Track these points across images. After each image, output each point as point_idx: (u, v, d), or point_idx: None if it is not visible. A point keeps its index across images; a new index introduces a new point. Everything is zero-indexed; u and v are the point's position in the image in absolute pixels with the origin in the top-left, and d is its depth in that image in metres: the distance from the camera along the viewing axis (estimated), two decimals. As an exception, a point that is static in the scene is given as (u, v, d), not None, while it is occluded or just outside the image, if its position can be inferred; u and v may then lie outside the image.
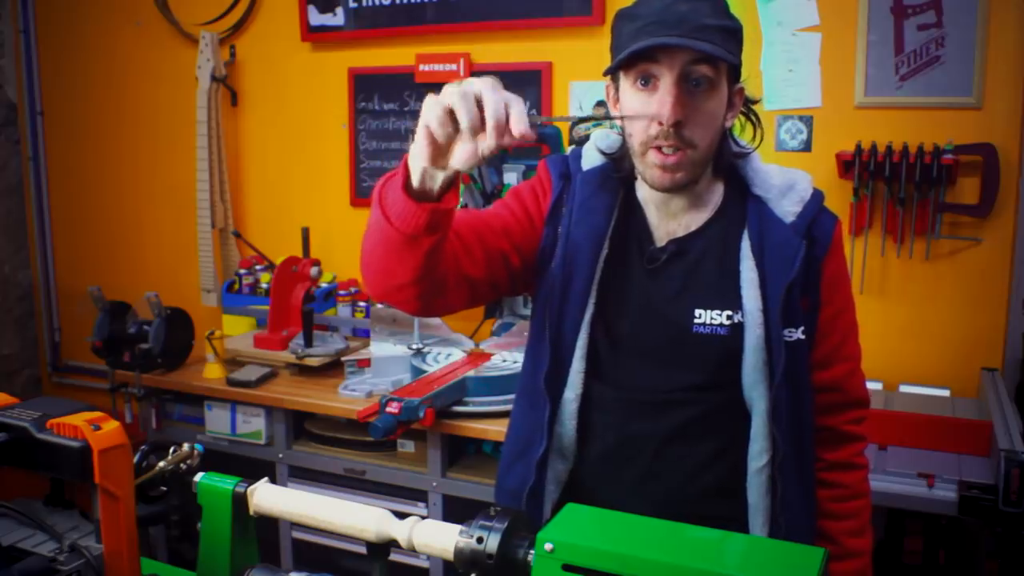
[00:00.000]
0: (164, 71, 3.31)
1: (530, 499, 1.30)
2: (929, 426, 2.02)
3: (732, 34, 1.17)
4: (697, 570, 0.79)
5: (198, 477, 1.07)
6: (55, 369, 3.73)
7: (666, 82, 1.15)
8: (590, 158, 1.34)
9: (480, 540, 0.88)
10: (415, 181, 1.06)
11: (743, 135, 1.33)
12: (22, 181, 3.65)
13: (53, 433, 0.93)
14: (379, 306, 2.59)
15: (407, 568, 2.20)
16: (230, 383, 2.52)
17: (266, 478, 1.07)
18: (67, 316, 3.70)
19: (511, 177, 2.36)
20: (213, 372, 2.60)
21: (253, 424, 2.51)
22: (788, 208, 1.25)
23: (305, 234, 2.65)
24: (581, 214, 1.28)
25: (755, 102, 1.32)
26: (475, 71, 2.82)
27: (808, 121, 2.47)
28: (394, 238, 1.11)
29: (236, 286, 3.02)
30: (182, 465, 1.10)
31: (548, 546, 0.83)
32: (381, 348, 2.48)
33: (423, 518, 0.96)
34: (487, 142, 0.95)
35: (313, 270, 2.64)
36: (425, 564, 2.27)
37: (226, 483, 1.05)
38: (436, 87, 1.02)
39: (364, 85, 3.01)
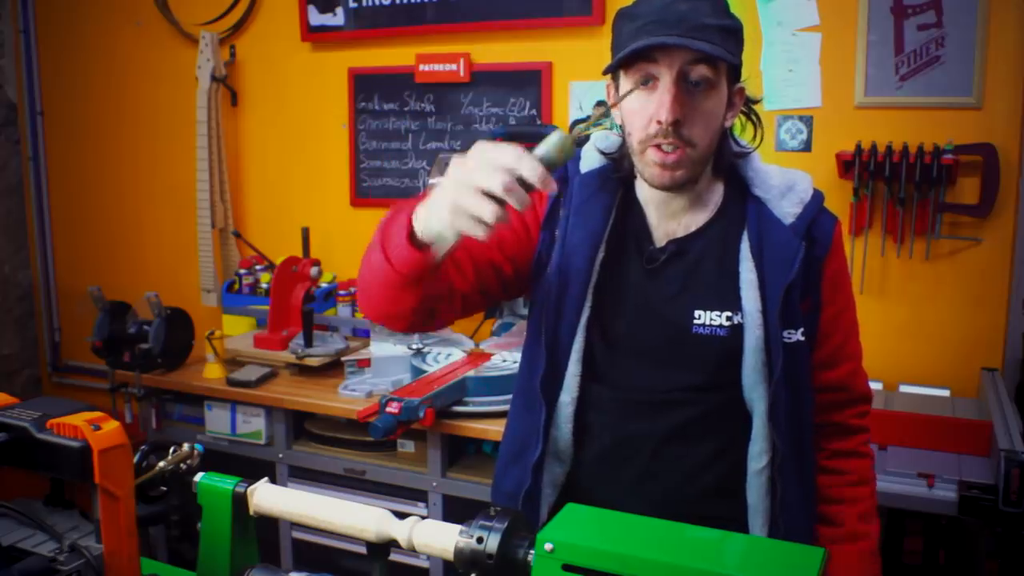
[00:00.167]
0: (164, 71, 3.31)
1: (526, 502, 1.30)
2: (929, 426, 2.02)
3: (732, 34, 1.17)
4: (697, 570, 0.79)
5: (198, 477, 1.07)
6: (55, 369, 3.73)
7: (665, 81, 1.15)
8: (588, 160, 1.34)
9: (480, 540, 0.88)
10: (423, 237, 1.08)
11: (743, 135, 1.33)
12: (22, 181, 3.65)
13: (53, 433, 0.93)
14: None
15: (407, 568, 2.20)
16: (230, 383, 2.52)
17: (266, 478, 1.07)
18: (67, 316, 3.70)
19: (511, 177, 2.36)
20: (213, 372, 2.60)
21: (253, 424, 2.51)
22: (788, 209, 1.25)
23: (305, 234, 2.65)
24: (578, 217, 1.28)
25: (756, 102, 1.31)
26: (475, 71, 2.82)
27: (808, 121, 2.47)
28: (393, 277, 1.12)
29: (236, 286, 3.02)
30: (182, 465, 1.10)
31: (548, 546, 0.83)
32: (381, 348, 2.49)
33: (423, 518, 0.96)
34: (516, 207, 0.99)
35: (313, 270, 2.64)
36: (425, 564, 2.27)
37: (226, 483, 1.05)
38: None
39: (364, 85, 3.01)
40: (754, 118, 1.32)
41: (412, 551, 0.95)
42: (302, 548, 2.48)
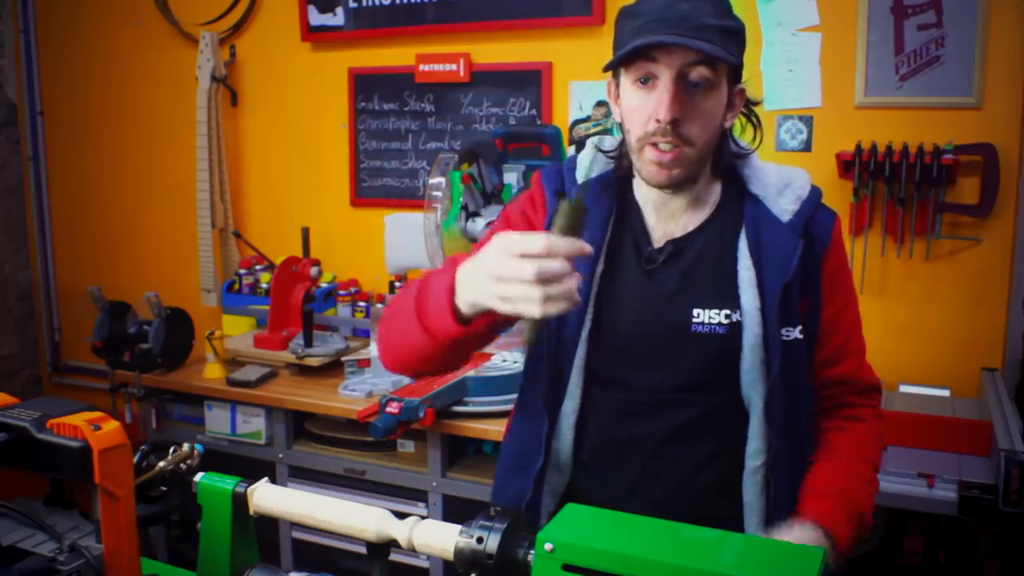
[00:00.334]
0: (164, 71, 3.31)
1: (527, 512, 1.30)
2: (929, 426, 2.02)
3: (733, 34, 1.17)
4: (697, 570, 0.79)
5: (198, 477, 1.07)
6: (55, 369, 3.73)
7: (664, 80, 1.15)
8: (584, 170, 1.34)
9: (480, 540, 0.88)
10: (464, 308, 1.10)
11: (743, 136, 1.33)
12: (22, 181, 3.65)
13: (53, 433, 0.93)
14: (379, 306, 2.59)
15: (407, 568, 2.20)
16: (230, 383, 2.52)
17: (266, 478, 1.07)
18: (67, 316, 3.70)
19: (511, 177, 2.36)
20: (213, 372, 2.60)
21: (253, 424, 2.51)
22: (785, 206, 1.25)
23: (305, 234, 2.65)
24: None
25: (756, 103, 1.32)
26: (475, 71, 2.82)
27: (808, 121, 2.47)
28: (426, 343, 1.16)
29: (236, 286, 3.02)
30: (182, 465, 1.10)
31: (548, 546, 0.83)
32: (381, 348, 2.48)
33: (423, 518, 0.96)
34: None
35: (313, 270, 2.64)
36: (425, 564, 2.27)
37: (226, 483, 1.05)
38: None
39: (364, 85, 3.01)
40: (754, 119, 1.33)
41: (412, 551, 0.95)
42: (302, 548, 2.48)
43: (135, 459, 1.05)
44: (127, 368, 2.60)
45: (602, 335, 1.27)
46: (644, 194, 1.30)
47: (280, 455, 2.50)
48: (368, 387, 2.41)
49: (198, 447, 1.12)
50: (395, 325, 1.21)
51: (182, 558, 1.26)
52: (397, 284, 2.80)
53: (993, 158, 2.27)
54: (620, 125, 1.26)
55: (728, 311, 1.23)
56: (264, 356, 2.64)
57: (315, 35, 3.04)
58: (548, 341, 1.29)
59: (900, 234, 2.38)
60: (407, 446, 2.38)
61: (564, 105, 2.74)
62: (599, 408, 1.29)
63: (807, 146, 2.48)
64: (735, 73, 1.22)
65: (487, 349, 2.46)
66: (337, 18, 2.99)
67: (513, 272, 0.99)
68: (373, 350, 2.51)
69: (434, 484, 2.30)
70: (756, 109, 1.33)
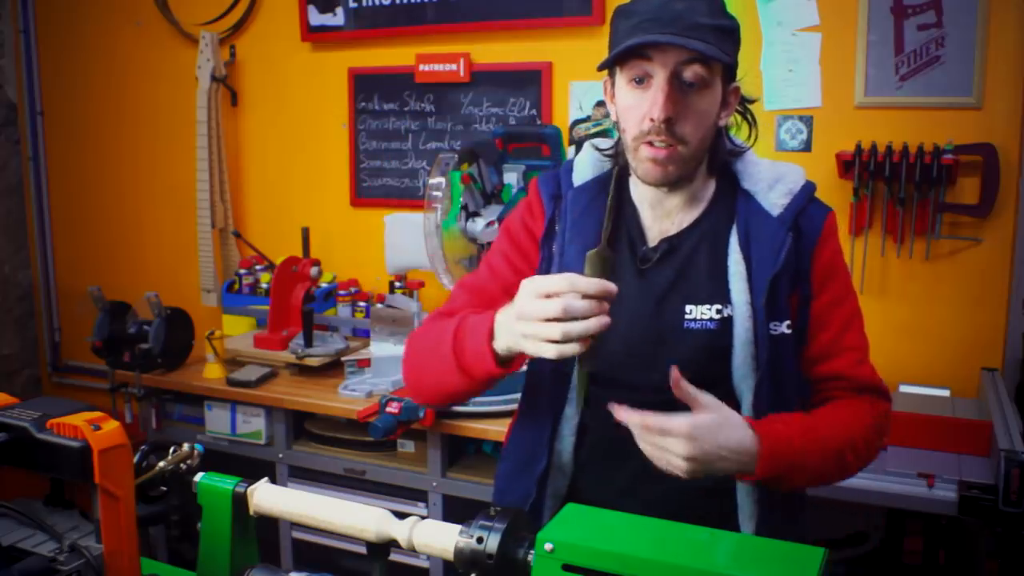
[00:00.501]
0: (164, 71, 3.31)
1: (530, 514, 1.30)
2: (929, 426, 2.02)
3: (727, 33, 1.18)
4: (697, 570, 0.79)
5: (198, 477, 1.07)
6: (55, 369, 3.73)
7: (658, 80, 1.16)
8: (581, 173, 1.35)
9: (480, 540, 0.88)
10: (502, 352, 1.17)
11: (739, 134, 1.33)
12: (22, 181, 3.65)
13: (53, 433, 0.93)
14: (379, 306, 2.59)
15: (407, 568, 2.20)
16: (230, 383, 2.52)
17: (266, 478, 1.08)
18: (67, 316, 3.70)
19: (511, 177, 2.36)
20: (213, 372, 2.60)
21: (253, 424, 2.51)
22: (775, 200, 1.25)
23: (305, 234, 2.65)
24: (573, 233, 1.30)
25: (752, 101, 1.32)
26: (475, 71, 2.82)
27: (808, 121, 2.47)
28: (461, 382, 1.23)
29: (236, 286, 3.02)
30: (182, 465, 1.10)
31: (548, 546, 0.83)
32: (381, 348, 2.48)
33: (423, 518, 0.96)
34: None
35: (313, 270, 2.64)
36: (425, 564, 2.27)
37: (226, 483, 1.05)
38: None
39: (364, 85, 3.01)
40: (749, 117, 1.33)
41: (412, 551, 0.95)
42: (302, 548, 2.48)
43: (135, 459, 1.05)
44: (127, 368, 2.60)
45: (602, 336, 1.27)
46: (640, 194, 1.31)
47: (280, 455, 2.50)
48: (368, 387, 2.41)
49: (198, 447, 1.12)
50: (428, 365, 1.28)
51: (182, 558, 1.26)
52: (397, 284, 2.80)
53: (993, 158, 2.27)
54: (616, 124, 1.27)
55: (719, 306, 1.24)
56: (264, 356, 2.64)
57: (315, 35, 3.04)
58: None
59: (900, 234, 2.38)
60: (407, 446, 2.38)
61: (564, 105, 2.74)
62: (598, 409, 1.29)
63: (807, 146, 2.48)
64: (730, 71, 1.22)
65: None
66: (337, 18, 2.99)
67: (536, 311, 1.05)
68: (373, 350, 2.51)
69: (434, 484, 2.30)
70: (754, 108, 1.33)
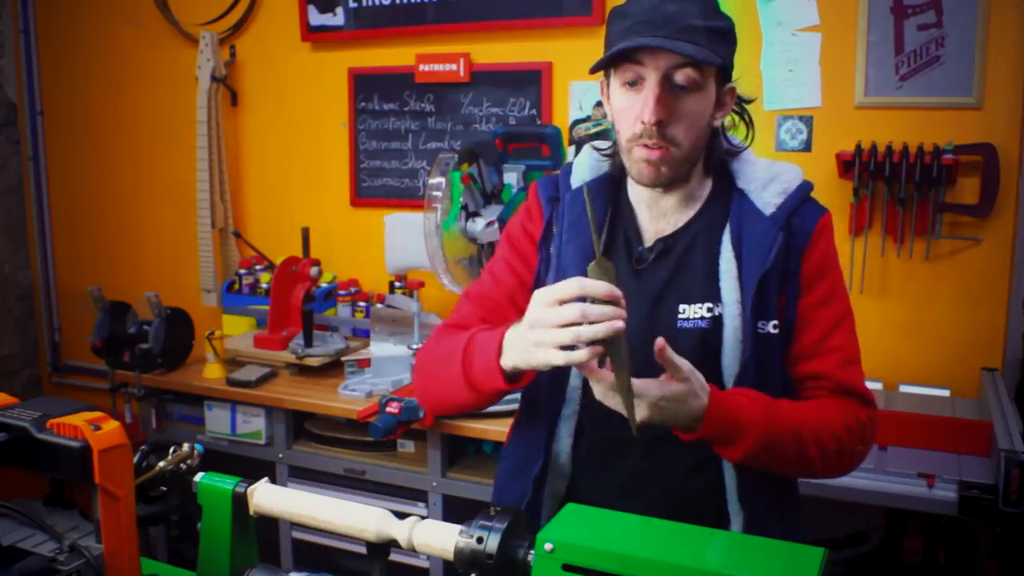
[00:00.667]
0: (164, 71, 3.31)
1: (527, 514, 1.30)
2: (929, 426, 2.02)
3: (721, 35, 1.18)
4: (697, 570, 0.79)
5: (198, 477, 1.08)
6: (55, 369, 3.73)
7: (650, 82, 1.17)
8: (579, 175, 1.35)
9: (480, 540, 0.88)
10: (509, 368, 1.18)
11: (736, 133, 1.34)
12: (22, 181, 3.65)
13: (53, 433, 0.93)
14: (379, 306, 2.59)
15: (407, 568, 2.20)
16: (230, 383, 2.52)
17: (266, 478, 1.08)
18: (67, 316, 3.70)
19: (511, 177, 2.36)
20: (213, 372, 2.60)
21: (253, 424, 2.51)
22: (768, 199, 1.25)
23: (305, 234, 2.65)
24: (570, 235, 1.30)
25: (749, 101, 1.32)
26: (475, 71, 2.82)
27: (808, 121, 2.47)
28: (469, 396, 1.25)
29: (236, 286, 3.02)
30: (182, 465, 1.10)
31: (548, 546, 0.83)
32: (381, 348, 2.49)
33: (423, 518, 0.96)
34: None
35: (313, 270, 2.64)
36: (425, 564, 2.27)
37: (226, 483, 1.05)
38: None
39: (364, 85, 3.01)
40: (746, 117, 1.33)
41: (412, 551, 0.95)
42: (302, 548, 2.48)
43: (135, 459, 1.05)
44: (127, 368, 2.60)
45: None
46: (638, 194, 1.31)
47: (280, 455, 2.50)
48: (368, 387, 2.41)
49: (198, 447, 1.12)
50: (438, 378, 1.29)
51: (182, 558, 1.26)
52: (397, 284, 2.80)
53: (993, 158, 2.27)
54: (612, 125, 1.27)
55: (710, 304, 1.24)
56: (264, 356, 2.64)
57: (315, 35, 3.04)
58: None
59: (900, 234, 2.38)
60: (407, 446, 2.38)
61: (564, 105, 2.74)
62: (594, 410, 1.29)
63: (807, 146, 2.48)
64: (724, 72, 1.22)
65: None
66: (337, 18, 2.99)
67: (551, 317, 1.07)
68: (373, 350, 2.51)
69: (434, 484, 2.30)
70: (755, 108, 1.33)
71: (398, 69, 2.93)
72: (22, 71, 3.56)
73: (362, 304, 2.88)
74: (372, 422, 2.10)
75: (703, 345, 1.23)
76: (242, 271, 3.04)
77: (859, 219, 2.41)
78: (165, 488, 1.11)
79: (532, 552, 0.86)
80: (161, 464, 1.10)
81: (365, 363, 2.49)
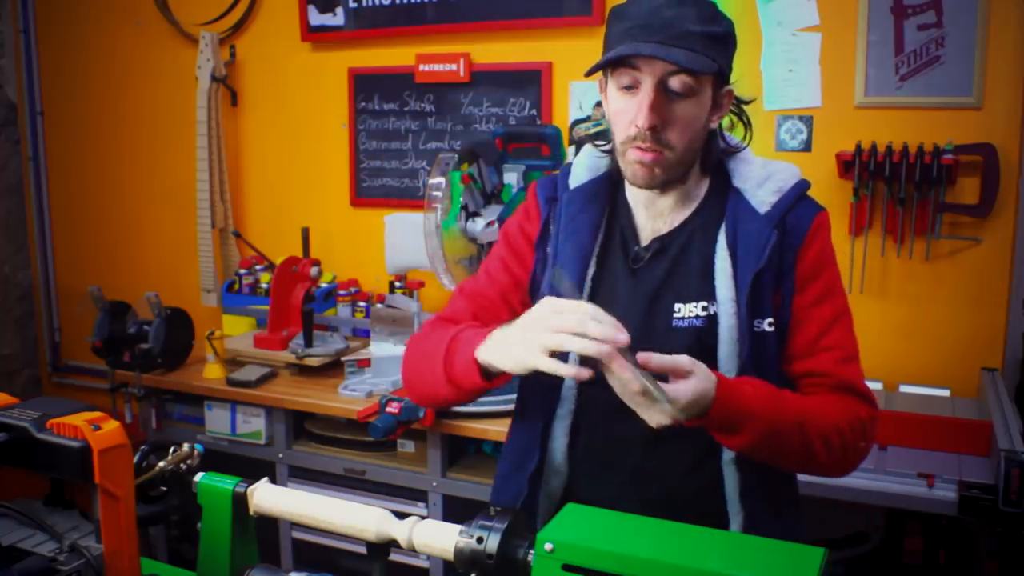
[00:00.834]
0: (164, 71, 3.31)
1: (523, 512, 1.30)
2: (929, 426, 2.02)
3: (718, 40, 1.18)
4: (697, 570, 0.79)
5: (198, 477, 1.08)
6: (55, 369, 3.73)
7: (645, 87, 1.17)
8: (577, 175, 1.36)
9: (480, 540, 0.88)
10: (485, 360, 1.19)
11: (735, 133, 1.34)
12: (22, 181, 3.65)
13: (53, 433, 0.93)
14: (379, 306, 2.59)
15: (407, 568, 2.20)
16: (230, 383, 2.52)
17: (266, 478, 1.08)
18: (67, 316, 3.70)
19: (511, 177, 2.36)
20: (213, 372, 2.60)
21: (253, 424, 2.51)
22: (763, 198, 1.25)
23: (305, 234, 2.65)
24: (567, 234, 1.31)
25: (747, 102, 1.32)
26: (475, 71, 2.82)
27: (808, 121, 2.47)
28: (450, 392, 1.26)
29: (236, 286, 3.02)
30: (182, 465, 1.10)
31: (548, 546, 0.83)
32: (381, 348, 2.49)
33: (423, 518, 0.96)
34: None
35: (313, 270, 2.64)
36: (425, 564, 2.27)
37: (226, 483, 1.05)
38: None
39: (364, 85, 3.01)
40: (744, 119, 1.33)
41: (412, 551, 0.95)
42: (302, 548, 2.48)
43: (135, 459, 1.05)
44: (127, 368, 2.60)
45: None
46: (635, 194, 1.32)
47: (280, 455, 2.50)
48: (368, 387, 2.41)
49: (198, 447, 1.12)
50: (423, 371, 1.30)
51: (182, 558, 1.26)
52: (397, 284, 2.80)
53: (993, 158, 2.27)
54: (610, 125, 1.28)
55: (705, 303, 1.24)
56: (264, 356, 2.64)
57: (315, 35, 3.04)
58: None
59: (900, 234, 2.38)
60: (407, 446, 2.38)
61: (564, 105, 2.74)
62: (591, 408, 1.29)
63: (807, 146, 2.48)
64: (722, 75, 1.22)
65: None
66: (337, 18, 2.99)
67: (550, 318, 1.09)
68: (373, 350, 2.51)
69: (434, 484, 2.30)
70: (755, 107, 1.33)
71: (398, 69, 2.93)
72: (22, 71, 3.56)
73: (362, 304, 2.88)
74: (372, 422, 2.10)
75: (699, 344, 1.23)
76: (242, 271, 3.04)
77: (859, 219, 2.41)
78: (165, 488, 1.11)
79: (532, 552, 0.86)
80: (161, 464, 1.10)
81: (365, 363, 2.49)
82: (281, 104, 3.16)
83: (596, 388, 1.28)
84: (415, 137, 2.96)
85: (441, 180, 2.27)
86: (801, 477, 1.37)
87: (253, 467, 2.31)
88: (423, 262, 2.35)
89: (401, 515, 0.98)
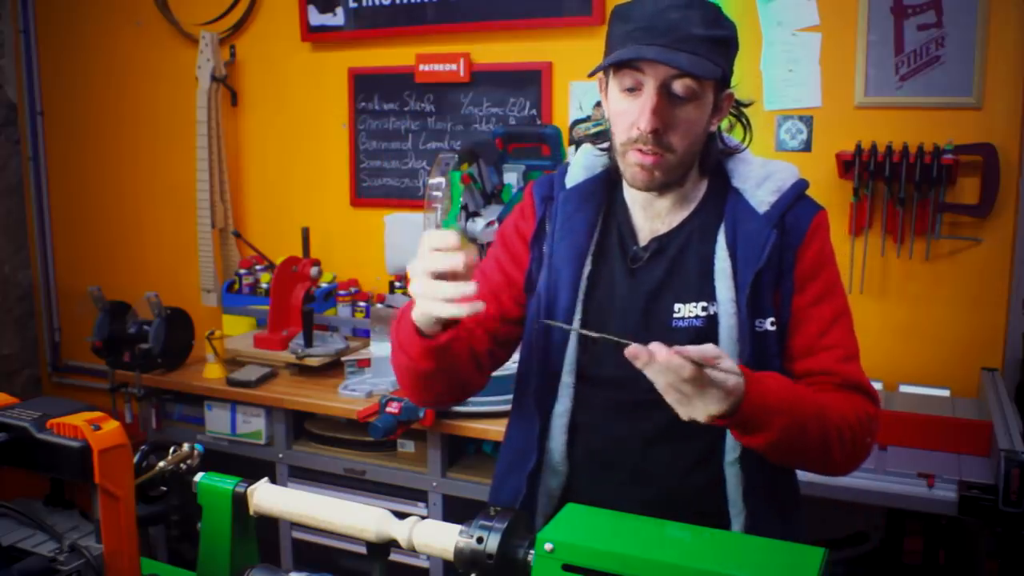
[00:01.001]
0: (164, 71, 3.31)
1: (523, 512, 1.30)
2: (929, 426, 2.02)
3: (720, 43, 1.18)
4: (697, 570, 0.79)
5: (198, 477, 1.08)
6: (55, 369, 3.73)
7: (648, 90, 1.17)
8: (574, 175, 1.36)
9: (480, 540, 0.88)
10: (423, 327, 1.19)
11: (734, 135, 1.34)
12: (22, 181, 3.65)
13: (53, 433, 0.93)
14: (379, 306, 2.59)
15: (407, 568, 2.20)
16: (230, 383, 2.52)
17: (266, 478, 1.08)
18: (67, 316, 3.70)
19: (511, 177, 2.36)
20: (213, 372, 2.60)
21: (253, 424, 2.51)
22: (763, 198, 1.25)
23: (305, 234, 2.65)
24: (563, 233, 1.31)
25: (747, 105, 1.32)
26: (475, 71, 2.82)
27: (808, 121, 2.47)
28: (418, 370, 1.24)
29: (236, 286, 3.02)
30: (182, 465, 1.10)
31: (548, 546, 0.84)
32: (381, 348, 2.49)
33: (423, 518, 0.96)
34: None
35: (313, 270, 2.64)
36: (425, 564, 2.27)
37: (226, 483, 1.05)
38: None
39: (364, 85, 3.01)
40: (744, 121, 1.33)
41: (412, 551, 0.95)
42: (302, 548, 2.48)
43: (135, 459, 1.05)
44: (127, 368, 2.60)
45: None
46: (632, 194, 1.31)
47: (280, 455, 2.50)
48: (368, 387, 2.41)
49: (198, 447, 1.12)
50: (394, 361, 1.29)
51: (182, 558, 1.26)
52: (397, 284, 2.80)
53: (993, 158, 2.27)
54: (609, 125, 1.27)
55: (705, 303, 1.24)
56: (264, 356, 2.64)
57: (315, 35, 3.04)
58: (536, 342, 1.30)
59: (900, 234, 2.38)
60: (407, 446, 2.38)
61: (564, 105, 2.74)
62: (590, 408, 1.29)
63: (807, 146, 2.48)
64: (723, 79, 1.22)
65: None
66: (337, 18, 2.99)
67: (424, 264, 1.10)
68: (373, 350, 2.51)
69: (434, 484, 2.30)
70: (754, 107, 1.33)
71: (398, 69, 2.93)
72: (22, 71, 3.56)
73: (362, 304, 2.88)
74: (372, 422, 2.10)
75: (697, 343, 1.22)
76: (242, 271, 3.04)
77: (859, 219, 2.41)
78: (165, 488, 1.11)
79: (532, 552, 0.86)
80: (161, 464, 1.10)
81: (365, 363, 2.49)
82: (281, 104, 3.16)
83: (594, 387, 1.29)
84: (415, 137, 2.96)
85: (441, 180, 2.27)
86: (801, 477, 1.37)
87: (253, 467, 2.31)
88: (423, 262, 2.35)
89: (401, 515, 0.98)
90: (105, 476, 0.92)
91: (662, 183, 1.23)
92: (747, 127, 1.33)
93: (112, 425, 0.94)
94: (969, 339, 2.36)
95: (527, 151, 2.42)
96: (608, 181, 1.34)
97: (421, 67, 2.88)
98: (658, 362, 1.01)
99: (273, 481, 1.08)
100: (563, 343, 1.28)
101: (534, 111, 2.76)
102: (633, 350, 1.02)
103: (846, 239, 2.41)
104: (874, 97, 2.39)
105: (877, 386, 2.29)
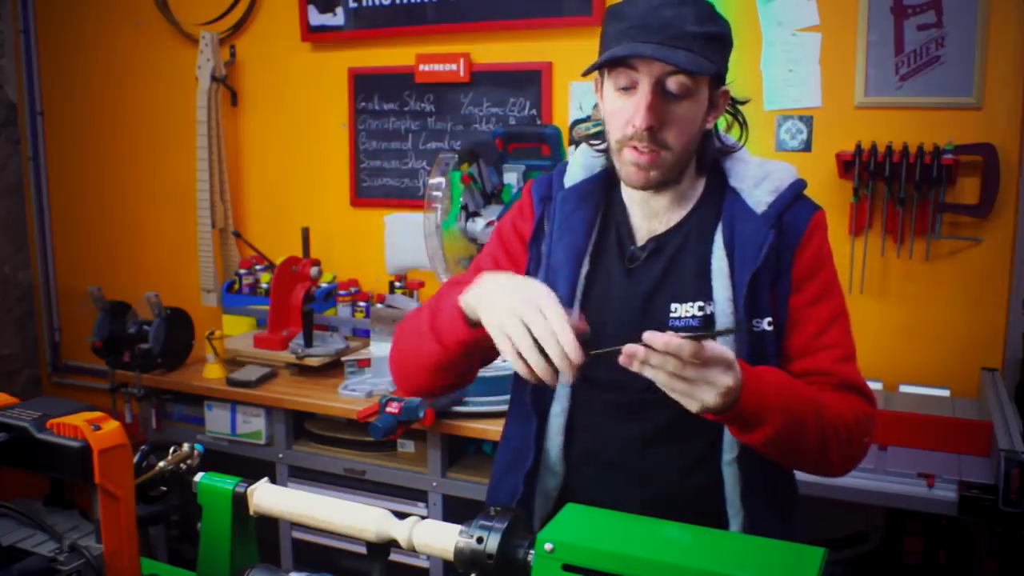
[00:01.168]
0: (164, 71, 3.31)
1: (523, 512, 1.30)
2: (929, 426, 2.02)
3: (715, 40, 1.18)
4: (697, 570, 0.79)
5: (198, 477, 1.08)
6: (55, 369, 3.73)
7: (643, 88, 1.17)
8: (573, 175, 1.36)
9: (480, 540, 0.88)
10: (470, 313, 1.16)
11: (731, 134, 1.34)
12: (22, 181, 3.65)
13: (53, 433, 0.93)
14: (379, 306, 2.59)
15: (407, 568, 2.20)
16: (230, 383, 2.52)
17: (266, 478, 1.08)
18: (67, 316, 3.70)
19: (511, 177, 2.36)
20: (213, 372, 2.60)
21: (253, 424, 2.51)
22: (760, 198, 1.25)
23: (305, 234, 2.65)
24: (561, 233, 1.31)
25: (743, 102, 1.32)
26: (475, 71, 2.82)
27: (808, 121, 2.47)
28: (438, 352, 1.21)
29: (236, 286, 3.02)
30: (182, 465, 1.10)
31: (548, 546, 0.84)
32: (381, 348, 2.48)
33: (423, 518, 0.96)
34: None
35: (313, 270, 2.64)
36: (425, 564, 2.27)
37: (226, 483, 1.05)
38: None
39: (364, 85, 3.01)
40: (740, 118, 1.33)
41: (412, 551, 0.95)
42: (302, 548, 2.48)
43: (135, 459, 1.05)
44: (127, 368, 2.60)
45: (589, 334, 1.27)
46: (630, 194, 1.31)
47: (280, 455, 2.50)
48: (368, 387, 2.41)
49: (198, 447, 1.12)
50: (408, 344, 1.28)
51: (182, 558, 1.26)
52: (397, 284, 2.80)
53: (993, 158, 2.27)
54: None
55: (701, 303, 1.24)
56: (264, 356, 2.64)
57: (315, 35, 3.04)
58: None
59: (900, 234, 2.38)
60: (407, 446, 2.38)
61: (564, 105, 2.74)
62: (588, 408, 1.29)
63: (807, 146, 2.48)
64: (719, 76, 1.22)
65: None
66: (337, 18, 2.99)
67: (533, 317, 1.05)
68: (373, 350, 2.51)
69: (434, 484, 2.30)
70: (754, 107, 1.33)
71: (398, 69, 2.93)
72: (22, 71, 3.56)
73: (362, 304, 2.88)
74: (372, 422, 2.10)
75: None
76: (242, 271, 3.04)
77: (859, 219, 2.41)
78: (165, 488, 1.11)
79: (532, 552, 0.86)
80: (161, 464, 1.10)
81: (365, 363, 2.49)
82: (281, 104, 3.16)
83: (591, 388, 1.28)
84: (415, 137, 2.96)
85: (441, 180, 2.27)
86: (801, 477, 1.37)
87: (253, 467, 2.31)
88: (423, 262, 2.35)
89: (401, 515, 0.98)
90: (105, 476, 0.92)
91: (658, 181, 1.22)
92: (743, 125, 1.33)
93: (112, 425, 0.94)
94: (969, 339, 2.36)
95: (527, 151, 2.42)
96: (607, 181, 1.34)
97: (421, 67, 2.88)
98: (658, 345, 1.00)
99: (273, 481, 1.08)
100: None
101: (534, 111, 2.76)
102: (630, 349, 1.02)
103: (846, 239, 2.41)
104: (874, 97, 2.39)
105: (877, 386, 2.29)
